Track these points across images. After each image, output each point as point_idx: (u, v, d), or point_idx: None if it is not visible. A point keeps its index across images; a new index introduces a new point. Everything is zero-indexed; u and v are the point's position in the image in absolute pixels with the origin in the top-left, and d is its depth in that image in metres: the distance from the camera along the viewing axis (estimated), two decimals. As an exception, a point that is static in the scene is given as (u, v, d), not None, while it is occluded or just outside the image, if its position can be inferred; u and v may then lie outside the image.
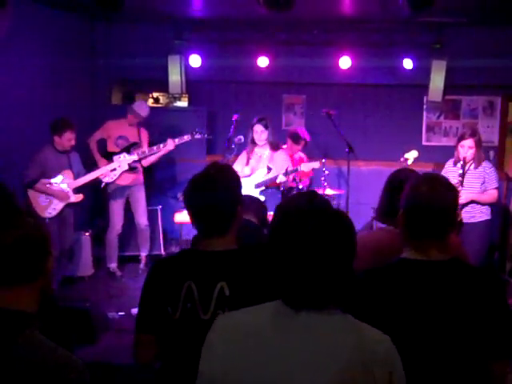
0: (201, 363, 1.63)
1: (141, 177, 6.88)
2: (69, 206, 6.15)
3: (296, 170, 6.18)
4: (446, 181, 2.18)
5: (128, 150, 6.58)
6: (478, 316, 1.96)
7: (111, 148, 6.71)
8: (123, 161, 6.50)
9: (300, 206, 1.58)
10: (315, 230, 1.52)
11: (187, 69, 7.82)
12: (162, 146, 6.54)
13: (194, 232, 2.34)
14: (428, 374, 1.97)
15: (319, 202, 1.61)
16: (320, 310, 1.55)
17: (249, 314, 1.64)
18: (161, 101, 9.85)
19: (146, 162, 6.78)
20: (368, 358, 1.51)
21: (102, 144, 6.78)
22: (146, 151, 6.60)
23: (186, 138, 6.55)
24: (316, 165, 6.21)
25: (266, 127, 6.15)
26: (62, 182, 6.06)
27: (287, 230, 1.55)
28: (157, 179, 8.00)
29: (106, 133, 6.78)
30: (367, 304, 2.01)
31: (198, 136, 6.57)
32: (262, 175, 6.20)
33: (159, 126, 7.62)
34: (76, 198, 6.17)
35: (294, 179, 6.43)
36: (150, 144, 6.78)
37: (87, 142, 6.68)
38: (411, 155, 6.13)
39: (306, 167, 6.22)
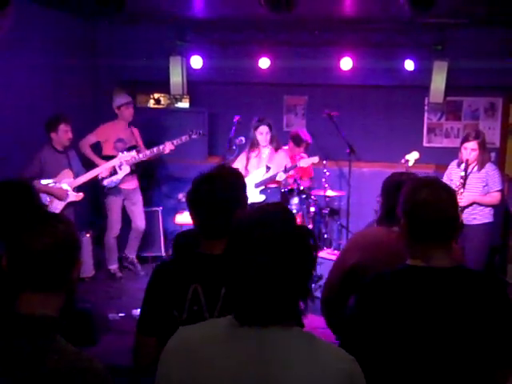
0: (158, 369, 1.63)
1: (136, 180, 6.86)
2: (70, 205, 6.15)
3: (295, 166, 6.17)
4: (444, 185, 2.14)
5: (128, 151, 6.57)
6: (485, 323, 1.94)
7: (108, 151, 6.63)
8: (123, 157, 6.46)
9: (253, 221, 1.53)
10: (265, 247, 1.47)
11: (188, 70, 7.82)
12: (161, 148, 6.50)
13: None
14: (434, 381, 1.95)
15: (276, 217, 1.54)
16: (274, 326, 1.49)
17: (203, 328, 1.61)
18: (162, 102, 9.83)
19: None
20: (325, 378, 1.44)
21: (97, 148, 6.69)
22: (147, 153, 6.58)
23: (184, 138, 6.53)
24: (315, 159, 6.20)
25: (270, 128, 6.15)
26: (62, 182, 6.07)
27: (239, 246, 1.52)
28: (157, 180, 8.00)
29: (102, 136, 6.66)
30: (373, 311, 1.99)
31: (194, 136, 6.54)
32: (261, 174, 6.20)
33: (160, 127, 7.62)
34: (77, 197, 6.18)
35: (294, 180, 6.43)
36: (147, 144, 6.76)
37: (79, 146, 6.51)
38: (412, 156, 6.12)
39: (305, 163, 6.21)
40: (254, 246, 1.47)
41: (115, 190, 6.63)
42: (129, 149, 6.59)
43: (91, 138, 6.64)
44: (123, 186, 6.66)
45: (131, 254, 7.09)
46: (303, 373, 1.43)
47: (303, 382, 1.43)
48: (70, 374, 1.59)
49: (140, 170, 6.84)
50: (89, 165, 6.41)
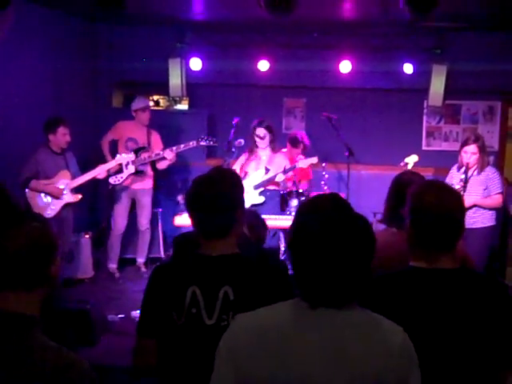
0: (221, 363, 1.62)
1: (150, 182, 6.91)
2: (68, 206, 6.15)
3: (294, 167, 6.17)
4: (450, 187, 2.15)
5: (136, 153, 6.60)
6: (490, 325, 1.94)
7: (121, 150, 6.70)
8: (120, 159, 6.49)
9: (323, 207, 1.63)
10: (339, 230, 1.57)
11: (188, 72, 7.82)
12: (165, 152, 6.55)
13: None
14: (438, 381, 1.94)
15: (342, 204, 1.66)
16: (340, 307, 1.59)
17: (268, 313, 1.66)
18: (161, 104, 9.84)
19: (161, 165, 6.82)
20: (388, 350, 1.57)
21: (114, 145, 6.82)
22: (153, 156, 6.62)
23: (192, 144, 6.55)
24: (314, 160, 6.19)
25: (269, 130, 6.14)
26: (59, 183, 6.06)
27: (310, 230, 1.59)
28: (157, 182, 7.99)
29: (117, 133, 6.81)
30: (378, 311, 1.99)
31: (203, 143, 6.55)
32: (260, 176, 6.21)
33: (159, 128, 7.62)
34: (74, 198, 6.17)
35: (294, 183, 6.44)
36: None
37: (100, 142, 6.75)
38: (411, 160, 6.13)
39: (304, 163, 6.21)
40: (328, 230, 1.56)
41: (122, 188, 6.67)
42: (138, 150, 6.62)
43: (109, 135, 6.82)
44: (131, 186, 6.72)
45: (140, 257, 7.13)
46: (374, 349, 1.56)
47: (375, 357, 1.55)
48: (53, 371, 1.59)
49: (153, 171, 6.92)
50: (86, 167, 6.43)
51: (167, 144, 6.77)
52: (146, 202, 6.93)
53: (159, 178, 7.33)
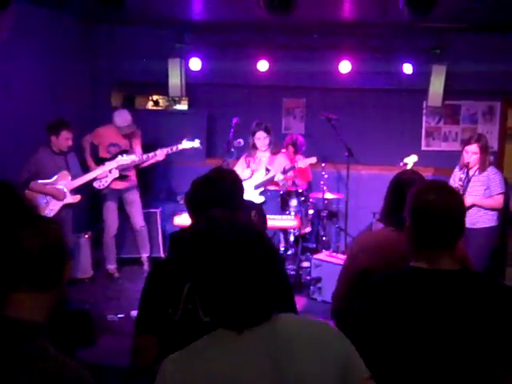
0: None
1: (134, 179, 6.86)
2: (67, 206, 6.15)
3: (293, 167, 6.18)
4: (450, 187, 2.14)
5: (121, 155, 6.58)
6: (492, 326, 1.93)
7: (103, 154, 6.66)
8: (121, 160, 6.49)
9: (221, 236, 1.59)
10: (240, 251, 1.56)
11: (187, 72, 7.83)
12: (152, 154, 6.54)
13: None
14: (438, 381, 1.94)
15: (232, 224, 1.62)
16: (262, 324, 1.56)
17: (194, 352, 1.60)
18: (160, 104, 9.85)
19: (143, 164, 6.80)
20: (334, 338, 1.61)
21: (93, 149, 6.75)
22: (142, 158, 6.60)
23: (175, 148, 6.52)
24: (313, 160, 6.21)
25: (268, 132, 6.16)
26: (58, 183, 6.06)
27: (215, 259, 1.56)
28: (156, 182, 8.00)
29: (96, 139, 6.71)
30: (378, 313, 1.99)
31: (188, 141, 6.58)
32: (260, 176, 6.22)
33: (159, 128, 7.62)
34: (74, 199, 6.17)
35: (293, 183, 6.45)
36: (146, 145, 6.77)
37: (81, 141, 6.63)
38: (410, 160, 6.14)
39: (303, 163, 6.22)
40: (235, 258, 1.54)
41: (109, 191, 6.65)
42: (121, 152, 6.60)
43: (89, 138, 6.73)
44: (114, 187, 6.65)
45: (145, 253, 7.12)
46: (312, 351, 1.55)
47: (316, 358, 1.55)
48: (57, 383, 1.57)
49: (135, 169, 6.87)
50: (86, 167, 6.42)
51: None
52: (134, 198, 6.88)
53: (159, 178, 7.33)
